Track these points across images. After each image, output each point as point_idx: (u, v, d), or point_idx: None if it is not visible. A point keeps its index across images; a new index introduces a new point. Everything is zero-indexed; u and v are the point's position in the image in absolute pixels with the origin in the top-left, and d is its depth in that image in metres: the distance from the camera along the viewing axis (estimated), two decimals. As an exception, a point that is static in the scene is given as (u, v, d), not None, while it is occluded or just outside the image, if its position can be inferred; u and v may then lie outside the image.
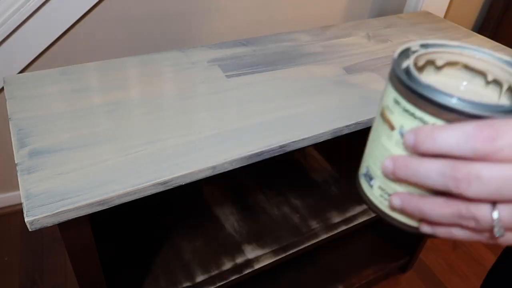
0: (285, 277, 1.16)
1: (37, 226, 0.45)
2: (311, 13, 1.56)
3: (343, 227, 0.88)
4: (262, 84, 0.70)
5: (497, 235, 0.24)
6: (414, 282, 1.30)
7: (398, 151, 0.26)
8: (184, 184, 0.53)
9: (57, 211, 0.45)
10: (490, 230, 0.24)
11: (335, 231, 0.87)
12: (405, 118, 0.25)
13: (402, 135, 0.26)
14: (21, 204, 0.51)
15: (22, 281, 1.21)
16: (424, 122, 0.24)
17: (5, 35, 1.08)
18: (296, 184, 0.97)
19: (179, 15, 1.31)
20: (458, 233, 0.26)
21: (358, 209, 0.92)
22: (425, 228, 0.28)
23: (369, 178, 0.30)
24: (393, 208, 0.29)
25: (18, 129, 0.56)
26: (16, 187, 1.42)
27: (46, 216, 0.44)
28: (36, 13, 1.09)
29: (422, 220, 0.28)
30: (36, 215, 0.44)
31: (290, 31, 0.90)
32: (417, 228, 0.29)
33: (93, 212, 0.48)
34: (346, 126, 0.63)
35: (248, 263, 0.78)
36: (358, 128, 0.65)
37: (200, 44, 1.37)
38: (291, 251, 0.81)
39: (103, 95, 0.64)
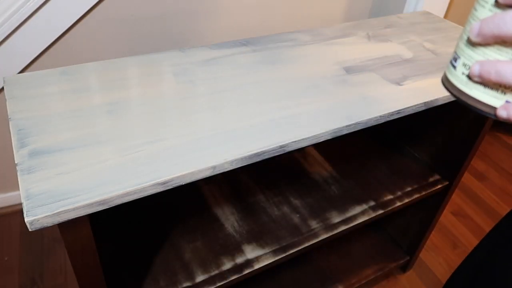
0: (285, 277, 1.16)
1: (37, 226, 0.45)
2: (311, 13, 1.56)
3: (343, 227, 0.88)
4: (262, 84, 0.70)
5: None
6: (414, 282, 1.30)
7: (487, 14, 0.28)
8: (184, 184, 0.53)
9: (57, 211, 0.45)
10: None
11: (335, 231, 0.87)
12: None
13: None
14: (21, 204, 0.51)
15: (22, 281, 1.21)
16: None
17: (5, 35, 1.08)
18: (296, 184, 0.97)
19: (179, 15, 1.31)
20: None
21: (358, 209, 0.92)
22: (501, 111, 0.28)
23: (454, 60, 0.32)
24: (473, 78, 0.29)
25: (18, 129, 0.56)
26: (16, 187, 1.42)
27: (46, 216, 0.44)
28: (36, 13, 1.09)
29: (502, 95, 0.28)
30: (36, 215, 0.44)
31: (290, 31, 0.90)
32: (494, 109, 0.29)
33: (93, 212, 0.48)
34: (346, 126, 0.63)
35: (248, 263, 0.78)
36: (358, 128, 0.65)
37: (200, 44, 1.37)
38: (291, 251, 0.81)
39: (103, 95, 0.64)
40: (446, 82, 0.34)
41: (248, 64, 0.76)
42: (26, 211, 0.44)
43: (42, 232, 1.35)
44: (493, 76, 0.27)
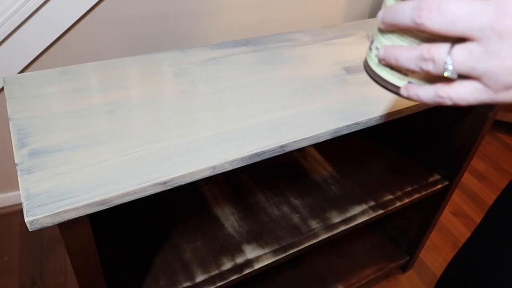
0: (285, 277, 1.16)
1: (37, 226, 0.45)
2: (311, 13, 1.56)
3: (343, 227, 0.88)
4: (262, 84, 0.70)
5: (447, 74, 0.26)
6: (414, 282, 1.30)
7: (392, 3, 0.31)
8: (184, 184, 0.53)
9: (57, 211, 0.45)
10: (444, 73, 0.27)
11: (335, 231, 0.87)
12: None
13: None
14: (21, 204, 0.51)
15: (22, 281, 1.21)
16: None
17: (5, 35, 1.08)
18: (296, 184, 0.97)
19: (179, 15, 1.31)
20: (423, 92, 0.30)
21: (358, 209, 0.92)
22: (403, 90, 0.32)
23: (371, 43, 0.36)
24: (380, 60, 0.33)
25: (18, 129, 0.56)
26: (16, 187, 1.42)
27: (46, 216, 0.44)
28: (36, 13, 1.09)
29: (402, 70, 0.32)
30: (36, 215, 0.44)
31: (290, 31, 0.90)
32: (398, 88, 0.33)
33: (93, 212, 0.48)
34: (346, 126, 0.63)
35: (248, 263, 0.78)
36: (358, 128, 0.65)
37: (200, 44, 1.37)
38: (291, 251, 0.81)
39: (103, 95, 0.64)
40: (365, 64, 0.37)
41: (248, 64, 0.76)
42: (26, 211, 0.44)
43: (42, 232, 1.35)
44: (393, 61, 0.30)
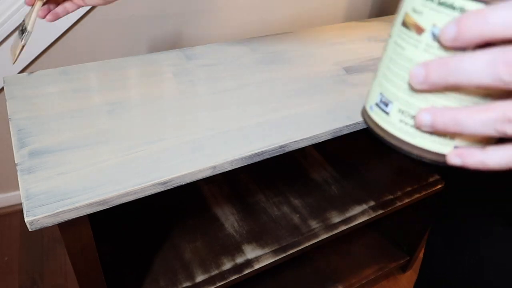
0: (285, 277, 1.16)
1: (37, 226, 0.45)
2: (311, 13, 1.56)
3: (343, 227, 0.88)
4: (262, 84, 0.70)
5: None
6: (414, 282, 1.30)
7: (427, 57, 0.24)
8: (184, 184, 0.53)
9: (57, 211, 0.45)
10: None
11: (335, 231, 0.87)
12: (439, 14, 0.23)
13: (434, 35, 0.23)
14: (21, 204, 0.51)
15: (22, 281, 1.21)
16: (465, 12, 0.22)
17: (5, 35, 1.08)
18: (296, 184, 0.97)
19: (179, 15, 1.31)
20: (493, 157, 0.23)
21: (358, 209, 0.92)
22: (453, 158, 0.25)
23: (385, 104, 0.27)
24: (420, 127, 0.25)
25: (18, 129, 0.56)
26: (16, 187, 1.42)
27: (46, 216, 0.44)
28: (36, 13, 1.09)
29: (453, 138, 0.25)
30: (36, 215, 0.44)
31: (290, 31, 0.90)
32: (444, 157, 0.26)
33: (93, 212, 0.48)
34: (346, 126, 0.63)
35: (248, 263, 0.78)
36: (358, 128, 0.65)
37: (200, 44, 1.37)
38: (291, 251, 0.81)
39: (103, 95, 0.64)
40: (376, 128, 0.29)
41: (248, 64, 0.76)
42: (26, 211, 0.44)
43: (42, 232, 1.35)
44: (451, 127, 0.23)
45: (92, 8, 1.16)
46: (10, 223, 1.38)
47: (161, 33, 1.32)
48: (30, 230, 0.44)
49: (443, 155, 0.26)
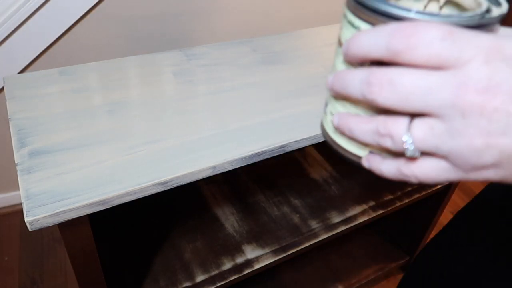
0: (285, 277, 1.16)
1: (37, 226, 0.45)
2: (311, 13, 1.56)
3: (343, 227, 0.88)
4: (262, 84, 0.70)
5: (408, 154, 0.23)
6: (414, 282, 1.30)
7: (342, 68, 0.26)
8: (184, 184, 0.53)
9: (57, 211, 0.45)
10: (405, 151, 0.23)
11: (335, 231, 0.87)
12: (348, 30, 0.25)
13: None
14: (21, 204, 0.51)
15: (22, 281, 1.21)
16: (359, 30, 0.24)
17: (5, 35, 1.08)
18: (296, 184, 0.97)
19: (179, 15, 1.31)
20: (384, 166, 0.26)
21: (358, 209, 0.92)
22: (365, 162, 0.27)
23: (325, 105, 0.30)
24: (336, 129, 0.28)
25: (18, 129, 0.56)
26: (16, 187, 1.42)
27: (46, 216, 0.44)
28: (36, 13, 1.09)
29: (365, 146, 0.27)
30: (36, 215, 0.44)
31: (290, 31, 0.90)
32: (359, 158, 0.28)
33: (93, 212, 0.48)
34: (346, 126, 0.63)
35: (248, 263, 0.78)
36: (358, 128, 0.65)
37: (200, 44, 1.37)
38: (291, 251, 0.81)
39: (103, 95, 0.64)
40: (322, 128, 0.32)
41: (248, 64, 0.76)
42: (26, 211, 0.44)
43: (42, 232, 1.35)
44: (347, 132, 0.26)
45: (92, 8, 1.16)
46: (10, 223, 1.38)
47: (161, 33, 1.32)
48: (30, 230, 0.44)
49: (360, 157, 0.28)
